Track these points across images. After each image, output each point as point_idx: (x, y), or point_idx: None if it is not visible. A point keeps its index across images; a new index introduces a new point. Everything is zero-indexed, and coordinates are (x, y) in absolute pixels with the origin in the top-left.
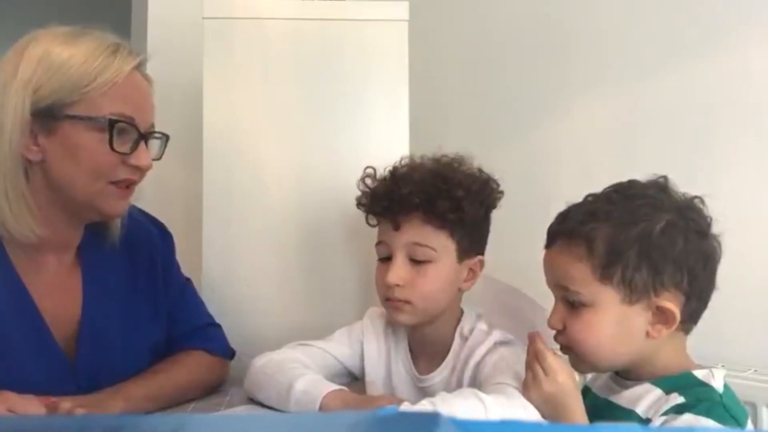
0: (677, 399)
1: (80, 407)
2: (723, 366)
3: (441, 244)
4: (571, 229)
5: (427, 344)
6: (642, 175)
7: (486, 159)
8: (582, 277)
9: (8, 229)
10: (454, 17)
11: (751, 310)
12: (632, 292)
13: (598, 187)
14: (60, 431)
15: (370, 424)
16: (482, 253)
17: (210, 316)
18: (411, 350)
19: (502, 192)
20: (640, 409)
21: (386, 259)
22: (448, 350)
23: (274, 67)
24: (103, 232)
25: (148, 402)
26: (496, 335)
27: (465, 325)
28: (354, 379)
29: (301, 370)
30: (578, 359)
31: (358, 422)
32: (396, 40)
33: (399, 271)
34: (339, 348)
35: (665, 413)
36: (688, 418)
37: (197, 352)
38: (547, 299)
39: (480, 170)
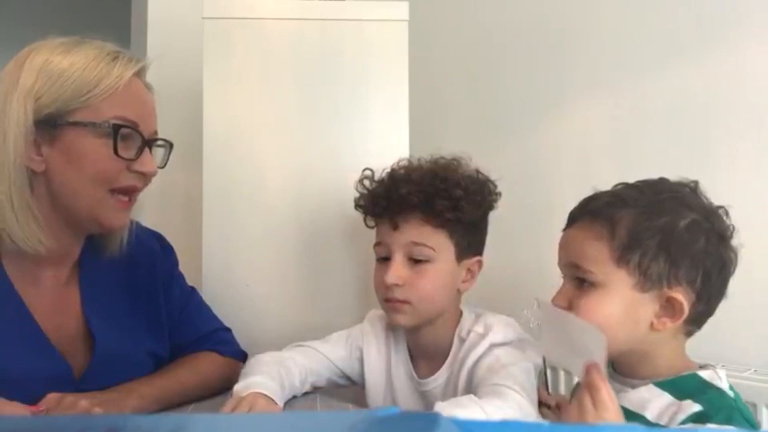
0: (693, 407)
1: (97, 406)
2: (723, 366)
3: (440, 244)
4: (596, 210)
5: (426, 347)
6: (642, 175)
7: (486, 159)
8: (598, 256)
9: (16, 240)
10: (454, 17)
11: (751, 310)
12: (646, 280)
13: (598, 187)
14: (60, 431)
15: (370, 424)
16: (480, 254)
17: (219, 322)
18: (411, 354)
19: (499, 193)
20: (650, 414)
21: (385, 260)
22: (448, 353)
23: (274, 67)
24: (104, 246)
25: (161, 402)
26: (492, 337)
27: (463, 327)
28: (351, 383)
29: (259, 372)
30: None
31: (358, 422)
32: (396, 40)
33: (398, 270)
34: (334, 350)
35: (683, 423)
36: (713, 429)
37: (210, 354)
38: (548, 296)
39: (478, 171)
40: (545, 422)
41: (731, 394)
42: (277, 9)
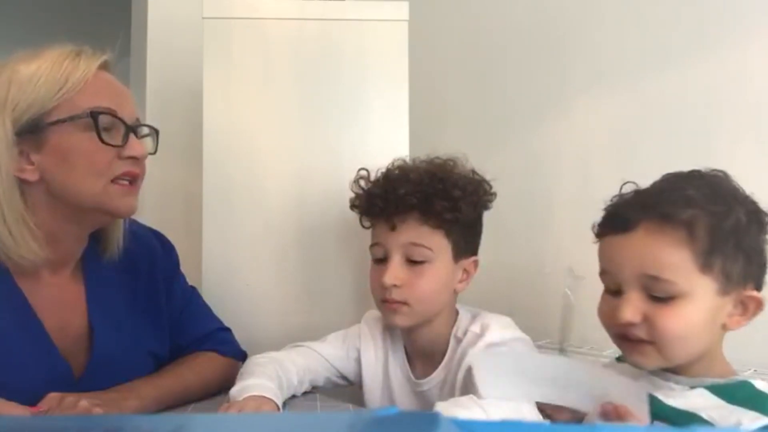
0: (760, 419)
1: (97, 406)
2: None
3: (437, 244)
4: (666, 213)
5: (423, 347)
6: (643, 174)
7: (486, 159)
8: (681, 264)
9: (11, 256)
10: (454, 17)
11: None
12: (728, 284)
13: (598, 187)
14: (60, 431)
15: (370, 424)
16: (476, 254)
17: (220, 322)
18: (407, 354)
19: (494, 193)
20: (707, 417)
21: (382, 261)
22: (445, 353)
23: (274, 67)
24: (103, 245)
25: (162, 402)
26: (489, 337)
27: (460, 327)
28: (349, 383)
29: (255, 374)
30: (655, 352)
31: (358, 422)
32: (396, 40)
33: (396, 271)
34: (332, 350)
35: None
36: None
37: (209, 354)
38: (546, 298)
39: (473, 171)
40: (545, 422)
41: None
42: (277, 9)
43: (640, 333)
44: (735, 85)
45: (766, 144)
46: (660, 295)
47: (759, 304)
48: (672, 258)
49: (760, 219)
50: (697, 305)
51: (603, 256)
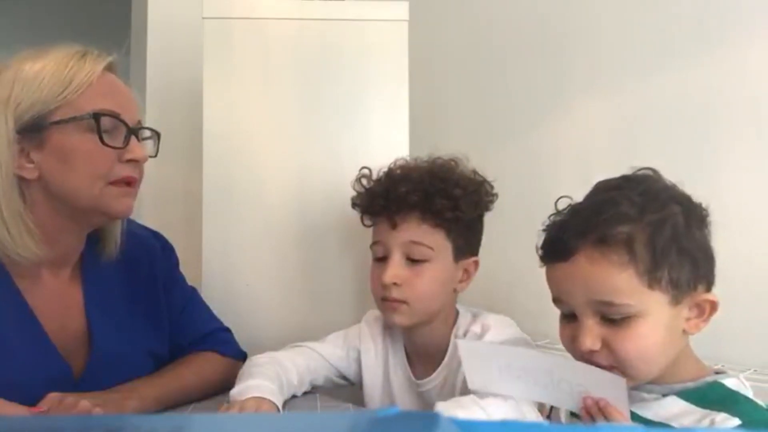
0: (730, 420)
1: (97, 406)
2: (722, 365)
3: (438, 243)
4: (603, 236)
5: (423, 347)
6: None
7: (486, 159)
8: (629, 286)
9: (9, 254)
10: (454, 17)
11: (751, 309)
12: (679, 292)
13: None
14: (60, 431)
15: (370, 424)
16: (477, 254)
17: (219, 322)
18: (408, 354)
19: (496, 194)
20: (678, 425)
21: (382, 260)
22: (445, 353)
23: (274, 67)
24: (102, 244)
25: (162, 402)
26: (489, 337)
27: (460, 327)
28: (349, 383)
29: (255, 374)
30: (623, 375)
31: (359, 422)
32: (396, 40)
33: (396, 269)
34: (332, 350)
35: None
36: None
37: (209, 354)
38: (546, 299)
39: (475, 172)
40: (545, 422)
41: (761, 403)
42: (277, 9)
43: (603, 360)
44: (735, 84)
45: (765, 143)
46: (615, 317)
47: (714, 306)
48: (618, 281)
49: (697, 214)
50: (654, 321)
51: (551, 284)
